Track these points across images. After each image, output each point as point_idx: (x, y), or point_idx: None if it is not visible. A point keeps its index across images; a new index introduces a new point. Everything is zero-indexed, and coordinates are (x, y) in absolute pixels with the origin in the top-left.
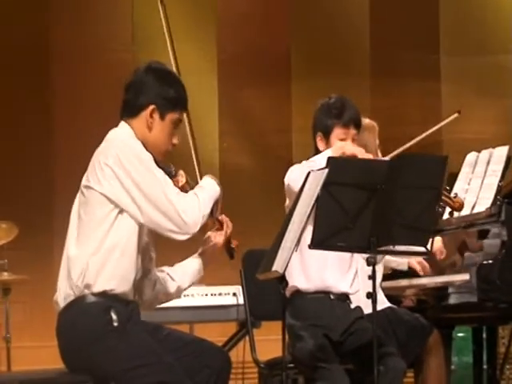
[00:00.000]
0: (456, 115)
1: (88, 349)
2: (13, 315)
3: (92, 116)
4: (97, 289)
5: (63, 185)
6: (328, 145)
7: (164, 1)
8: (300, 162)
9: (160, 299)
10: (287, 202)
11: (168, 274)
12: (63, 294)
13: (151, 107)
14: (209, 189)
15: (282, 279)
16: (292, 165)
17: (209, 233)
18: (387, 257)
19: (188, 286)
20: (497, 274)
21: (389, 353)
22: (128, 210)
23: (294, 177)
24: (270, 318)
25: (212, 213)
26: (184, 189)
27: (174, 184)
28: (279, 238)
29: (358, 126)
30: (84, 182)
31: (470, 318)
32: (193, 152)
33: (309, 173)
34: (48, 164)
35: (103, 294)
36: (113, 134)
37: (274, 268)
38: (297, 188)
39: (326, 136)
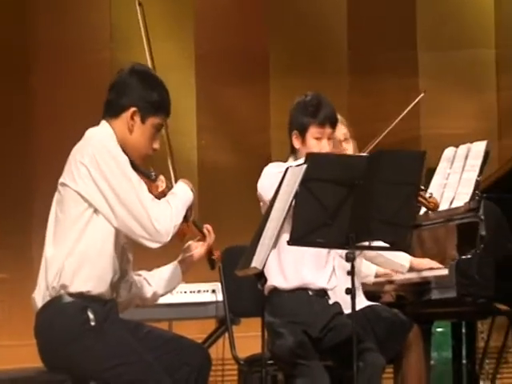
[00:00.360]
0: (422, 95)
1: (66, 349)
2: None
3: (71, 115)
4: (73, 289)
5: (42, 183)
6: (304, 143)
7: (141, 2)
8: (278, 160)
9: (135, 303)
10: (261, 204)
11: (145, 279)
12: (41, 293)
13: (132, 109)
14: (182, 196)
15: (260, 276)
16: (270, 162)
17: (190, 242)
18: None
19: (164, 292)
20: (475, 269)
21: (368, 348)
22: (102, 211)
23: (265, 186)
24: (249, 314)
25: (186, 218)
26: (163, 194)
27: (154, 189)
28: (258, 234)
29: (333, 124)
30: (61, 179)
31: (449, 313)
32: (168, 155)
33: (287, 169)
34: (26, 162)
35: (80, 295)
36: (91, 133)
37: (252, 264)
38: (267, 197)
39: (302, 134)
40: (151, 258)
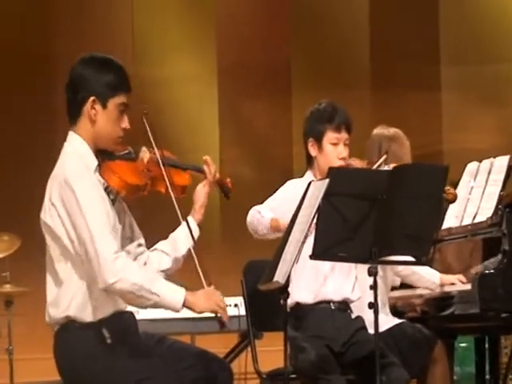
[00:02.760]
0: (384, 157)
1: (87, 371)
2: (15, 327)
3: None
4: (84, 321)
5: None
6: (320, 150)
7: (147, 112)
8: (300, 175)
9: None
10: None
11: (161, 251)
12: (50, 322)
13: (91, 99)
14: (164, 292)
15: (283, 290)
16: (292, 176)
17: (198, 186)
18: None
19: (185, 252)
20: (499, 284)
21: (391, 363)
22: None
23: (251, 222)
24: (272, 329)
25: (179, 167)
26: (150, 164)
27: (140, 165)
28: (280, 248)
29: (349, 129)
30: (41, 213)
31: (472, 327)
32: (170, 188)
33: (310, 183)
34: (50, 174)
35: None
36: (62, 162)
37: (275, 279)
38: (254, 232)
39: (318, 141)
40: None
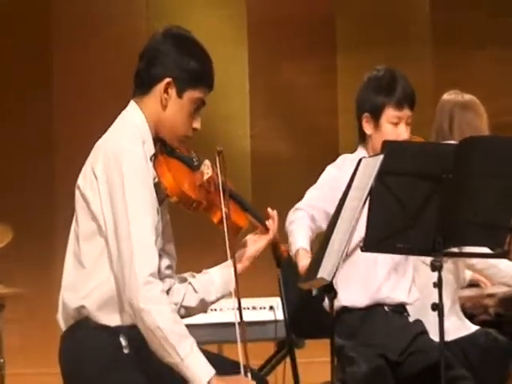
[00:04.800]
0: None
1: (94, 380)
2: (7, 336)
3: (102, 95)
4: (99, 323)
5: (65, 178)
6: (377, 128)
7: (222, 149)
8: (348, 149)
9: (179, 313)
10: None
11: (190, 284)
12: (63, 315)
13: (166, 80)
14: (192, 362)
15: (329, 289)
16: (337, 152)
17: (248, 236)
18: None
19: (215, 299)
20: None
21: (460, 376)
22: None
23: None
24: (315, 336)
25: (242, 205)
26: (210, 183)
27: (198, 178)
28: (325, 238)
29: (412, 105)
30: (79, 178)
31: None
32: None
33: (360, 160)
34: (49, 156)
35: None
36: (111, 131)
37: (319, 275)
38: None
39: (375, 117)
40: (197, 258)
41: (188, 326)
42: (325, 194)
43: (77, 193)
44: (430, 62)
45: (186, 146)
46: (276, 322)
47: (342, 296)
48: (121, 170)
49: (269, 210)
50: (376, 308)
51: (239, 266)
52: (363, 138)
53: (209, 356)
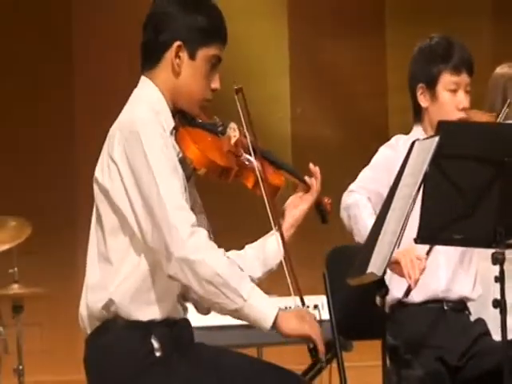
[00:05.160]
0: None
1: None
2: (26, 341)
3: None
4: (130, 318)
5: (87, 171)
6: (433, 98)
7: (241, 87)
8: (399, 133)
9: None
10: None
11: (253, 256)
12: (86, 315)
13: (176, 44)
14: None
15: (380, 285)
16: (386, 135)
17: (289, 199)
18: None
19: (263, 274)
20: None
21: None
22: (130, 222)
23: (343, 216)
24: (365, 337)
25: (276, 164)
26: (238, 147)
27: (225, 144)
28: (375, 229)
29: (470, 71)
30: (96, 171)
31: None
32: (263, 192)
33: (413, 143)
34: (70, 150)
35: (139, 322)
36: (126, 112)
37: (369, 270)
38: (352, 230)
39: (431, 87)
40: (232, 244)
41: (223, 328)
42: (379, 175)
43: (95, 187)
44: (489, 35)
45: (208, 114)
46: (321, 322)
47: (395, 289)
48: (138, 138)
49: (311, 165)
50: (434, 304)
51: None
52: (419, 115)
53: (248, 362)
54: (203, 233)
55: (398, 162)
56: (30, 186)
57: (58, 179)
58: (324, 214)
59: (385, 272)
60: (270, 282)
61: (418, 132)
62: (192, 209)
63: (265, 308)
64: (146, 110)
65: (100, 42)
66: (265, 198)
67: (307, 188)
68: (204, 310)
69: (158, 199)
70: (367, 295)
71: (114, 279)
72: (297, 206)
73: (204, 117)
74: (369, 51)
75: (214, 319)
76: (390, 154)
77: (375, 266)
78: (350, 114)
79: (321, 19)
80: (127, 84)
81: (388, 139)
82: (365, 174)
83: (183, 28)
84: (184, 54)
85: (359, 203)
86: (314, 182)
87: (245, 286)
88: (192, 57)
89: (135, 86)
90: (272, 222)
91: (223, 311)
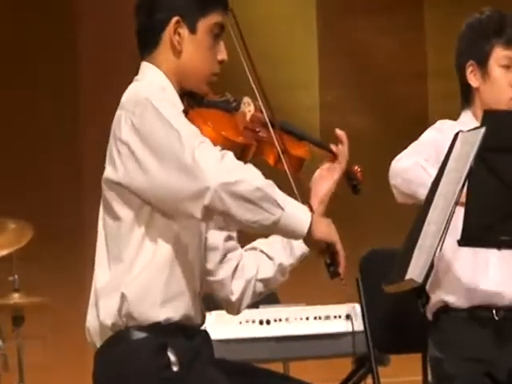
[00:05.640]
0: None
1: None
2: (27, 355)
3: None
4: (144, 321)
5: (93, 173)
6: (485, 77)
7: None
8: (439, 118)
9: (255, 292)
10: None
11: (262, 252)
12: (98, 327)
13: (174, 20)
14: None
15: (420, 292)
16: (427, 124)
17: (317, 171)
18: None
19: (295, 260)
20: None
21: None
22: (138, 191)
23: (403, 175)
24: (404, 350)
25: (298, 136)
26: (254, 122)
27: (240, 120)
28: (414, 231)
29: None
30: (104, 173)
31: None
32: (285, 164)
33: (457, 134)
34: (75, 152)
35: (154, 327)
36: (125, 94)
37: (408, 276)
38: (416, 192)
39: (482, 64)
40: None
41: (246, 340)
42: (428, 151)
43: (104, 187)
44: None
45: (219, 90)
46: (354, 333)
47: (437, 293)
48: (147, 104)
49: (336, 130)
50: (483, 311)
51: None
52: (468, 98)
53: (274, 378)
54: (230, 153)
55: (445, 145)
56: (31, 184)
57: (63, 177)
58: (355, 183)
59: (426, 278)
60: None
61: (467, 117)
62: None
63: (300, 212)
64: (151, 87)
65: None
66: (288, 172)
67: (334, 157)
68: (235, 309)
69: (180, 144)
70: (406, 304)
71: (127, 276)
72: (325, 179)
73: (213, 95)
74: (406, 31)
75: (236, 331)
76: (437, 137)
77: (414, 272)
78: (386, 101)
79: None
80: None
81: (427, 128)
82: (412, 147)
83: (179, 2)
84: (183, 30)
85: (420, 163)
86: (341, 149)
87: (278, 193)
88: (192, 31)
89: None
90: (298, 198)
91: (261, 228)
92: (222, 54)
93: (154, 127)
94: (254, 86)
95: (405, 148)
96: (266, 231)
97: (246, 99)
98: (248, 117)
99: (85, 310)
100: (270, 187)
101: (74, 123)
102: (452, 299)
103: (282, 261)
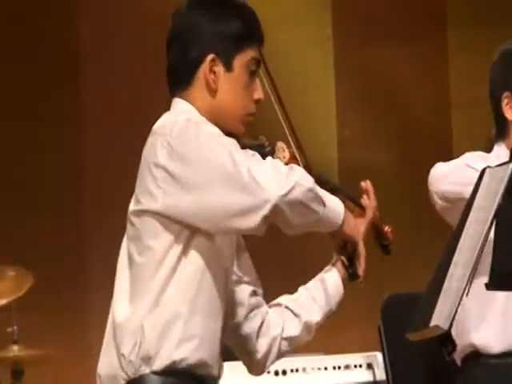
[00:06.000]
0: None
1: None
2: None
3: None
4: (160, 362)
5: (96, 216)
6: None
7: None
8: (464, 151)
9: (280, 351)
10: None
11: (287, 308)
12: (111, 371)
13: (209, 58)
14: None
15: (446, 340)
16: (452, 158)
17: None
18: None
19: (321, 318)
20: None
21: None
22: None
23: (444, 174)
24: None
25: (330, 187)
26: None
27: None
28: (439, 273)
29: None
30: (131, 205)
31: None
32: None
33: (483, 170)
34: (78, 193)
35: (171, 371)
36: (160, 121)
37: (433, 322)
38: (463, 193)
39: None
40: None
41: None
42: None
43: (133, 219)
44: None
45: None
46: (376, 383)
47: (466, 336)
48: (188, 127)
49: (362, 183)
50: None
51: (343, 269)
52: (503, 130)
53: None
54: (277, 160)
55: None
56: (31, 230)
57: (64, 223)
58: (386, 243)
59: (451, 325)
60: None
61: (501, 150)
62: (239, 257)
63: (336, 205)
64: (187, 112)
65: None
66: None
67: (363, 212)
68: (259, 368)
69: (231, 159)
70: (431, 351)
71: (149, 311)
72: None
73: (246, 135)
74: (428, 57)
75: (251, 383)
76: (468, 162)
77: (440, 318)
78: (407, 133)
79: (370, 23)
80: None
81: None
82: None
83: (214, 38)
84: (219, 68)
85: (465, 161)
86: (368, 202)
87: (319, 189)
88: (228, 68)
89: None
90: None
91: (304, 228)
92: (259, 93)
93: (196, 144)
94: (287, 132)
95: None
96: (306, 230)
97: (281, 144)
98: (283, 162)
99: (88, 363)
100: (315, 184)
101: (77, 174)
102: (482, 344)
103: (309, 318)
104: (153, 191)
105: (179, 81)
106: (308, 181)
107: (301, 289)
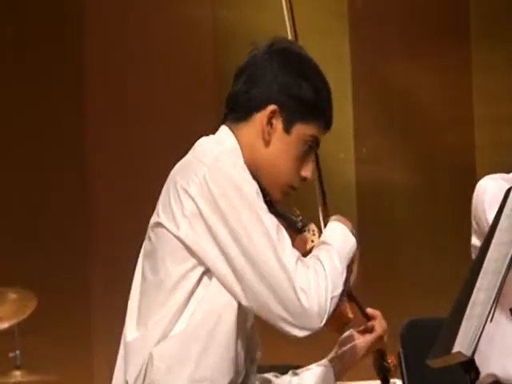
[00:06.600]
0: None
1: None
2: None
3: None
4: None
5: (103, 236)
6: None
7: None
8: (488, 173)
9: None
10: (474, 239)
11: None
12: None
13: (271, 108)
14: (339, 246)
15: (469, 367)
16: (477, 179)
17: (351, 330)
18: None
19: None
20: None
21: None
22: (219, 275)
23: (487, 202)
24: None
25: (349, 294)
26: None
27: (300, 245)
28: (462, 300)
29: None
30: (153, 217)
31: None
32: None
33: (509, 190)
34: (83, 214)
35: None
36: (203, 146)
37: (455, 349)
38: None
39: None
40: (286, 349)
41: None
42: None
43: (153, 234)
44: None
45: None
46: None
47: (488, 363)
48: (232, 179)
49: (368, 310)
50: None
51: (338, 368)
52: None
53: None
54: (312, 261)
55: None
56: (33, 250)
57: (69, 242)
58: (386, 370)
59: (474, 352)
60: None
61: None
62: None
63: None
64: (232, 157)
65: None
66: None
67: (369, 327)
68: None
69: (274, 259)
70: (452, 378)
71: (157, 337)
72: (356, 342)
73: (281, 204)
74: (450, 74)
75: None
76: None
77: (463, 345)
78: (428, 152)
79: (389, 38)
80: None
81: (475, 181)
82: None
83: (283, 91)
84: (278, 123)
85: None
86: (377, 322)
87: (335, 266)
88: (287, 129)
89: None
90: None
91: None
92: (308, 172)
93: (245, 223)
94: (321, 215)
95: (450, 205)
96: None
97: (313, 226)
98: (309, 246)
99: None
100: (334, 265)
101: (81, 196)
102: (503, 374)
103: None
104: (177, 217)
105: (236, 111)
106: (339, 288)
107: (294, 372)
